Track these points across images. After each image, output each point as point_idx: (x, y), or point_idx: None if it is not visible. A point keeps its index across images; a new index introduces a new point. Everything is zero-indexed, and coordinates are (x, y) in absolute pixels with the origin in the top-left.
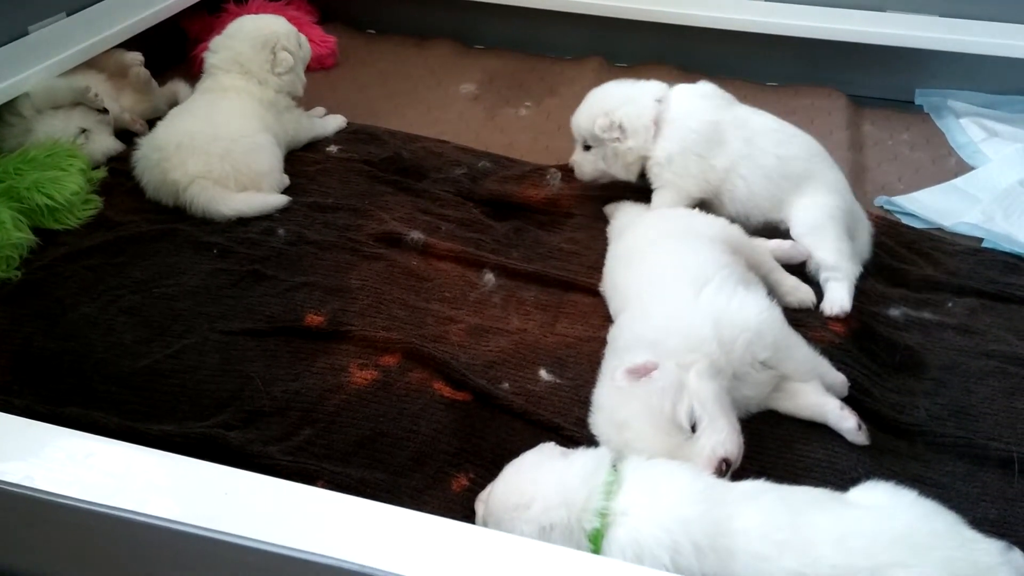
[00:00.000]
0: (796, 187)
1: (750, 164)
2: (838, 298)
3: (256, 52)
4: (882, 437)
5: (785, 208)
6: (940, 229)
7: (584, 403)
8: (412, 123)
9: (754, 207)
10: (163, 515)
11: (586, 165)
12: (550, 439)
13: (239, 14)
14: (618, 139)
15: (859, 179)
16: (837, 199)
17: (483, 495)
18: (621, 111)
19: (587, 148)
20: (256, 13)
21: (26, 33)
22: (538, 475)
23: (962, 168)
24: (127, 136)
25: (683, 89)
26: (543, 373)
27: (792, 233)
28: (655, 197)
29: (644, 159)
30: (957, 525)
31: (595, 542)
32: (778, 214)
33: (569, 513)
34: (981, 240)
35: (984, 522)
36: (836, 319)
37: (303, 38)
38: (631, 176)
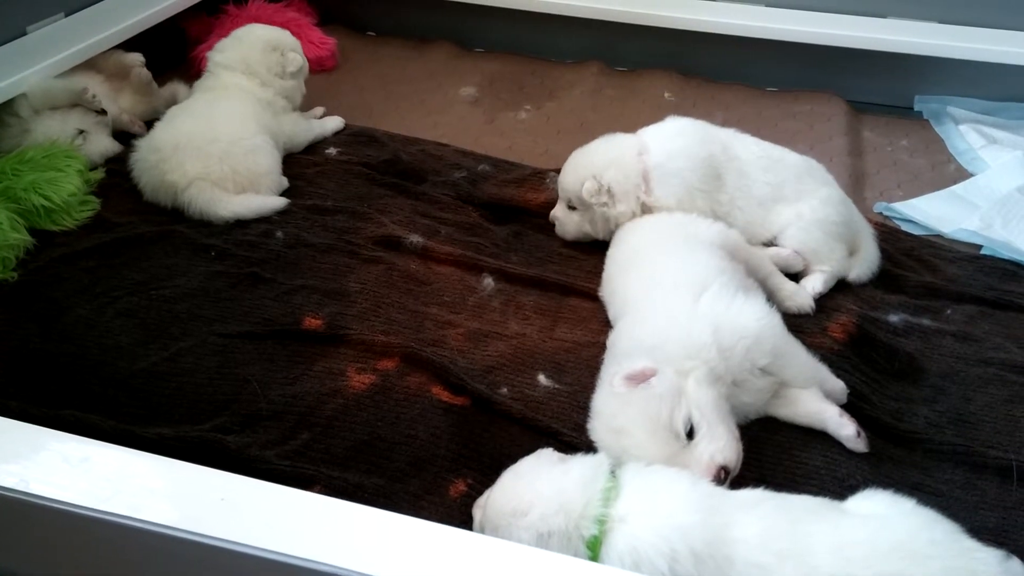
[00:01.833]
0: (788, 208)
1: (745, 194)
2: (810, 285)
3: (264, 55)
4: (881, 444)
5: (779, 228)
6: (939, 236)
7: (583, 408)
8: (411, 126)
9: (751, 235)
10: (158, 520)
11: (570, 225)
12: (548, 444)
13: (239, 15)
14: (606, 204)
15: (858, 185)
16: (831, 213)
17: (481, 501)
18: (608, 175)
19: (572, 208)
20: (256, 14)
21: (24, 33)
22: (536, 481)
23: (961, 175)
24: (125, 137)
25: (658, 132)
26: (542, 378)
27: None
28: None
29: (646, 210)
30: (956, 534)
31: (593, 549)
32: (771, 235)
33: (567, 520)
34: (980, 247)
35: (983, 530)
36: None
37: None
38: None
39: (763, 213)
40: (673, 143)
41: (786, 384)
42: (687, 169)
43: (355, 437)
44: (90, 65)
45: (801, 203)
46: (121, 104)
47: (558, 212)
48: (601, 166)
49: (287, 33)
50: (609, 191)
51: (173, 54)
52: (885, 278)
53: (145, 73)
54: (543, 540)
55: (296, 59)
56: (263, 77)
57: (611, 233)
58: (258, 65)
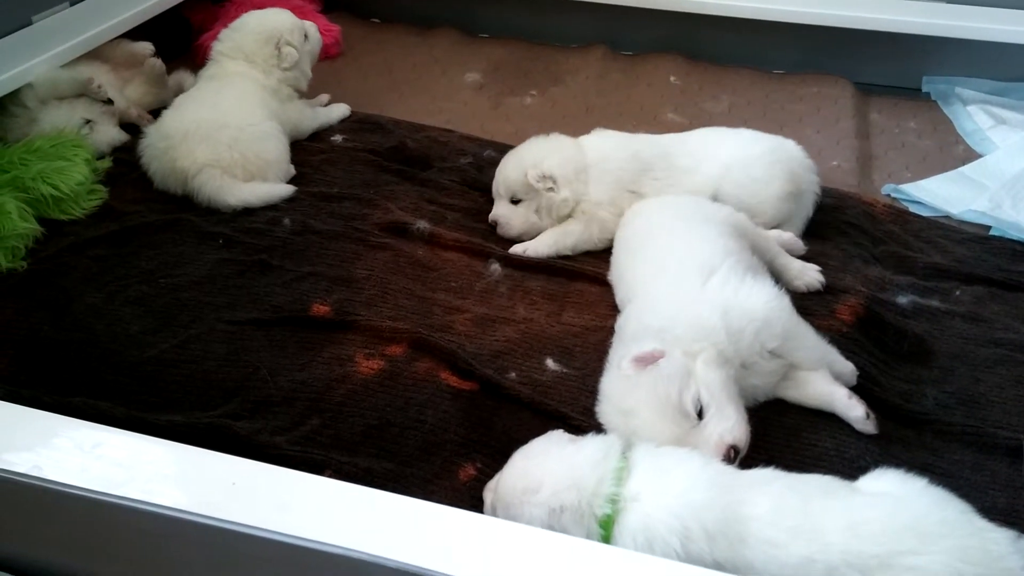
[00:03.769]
0: (713, 162)
1: (675, 164)
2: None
3: (260, 46)
4: (890, 426)
5: (714, 182)
6: (948, 217)
7: (591, 392)
8: (417, 112)
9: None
10: (170, 505)
11: (515, 219)
12: (557, 428)
13: (242, 3)
14: (552, 189)
15: (866, 167)
16: (750, 149)
17: (491, 484)
18: (548, 162)
19: (515, 202)
20: (259, 2)
21: (30, 23)
22: (547, 460)
23: (970, 155)
24: (133, 127)
25: (592, 137)
26: (550, 362)
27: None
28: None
29: (576, 206)
30: (967, 514)
31: (606, 528)
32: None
33: (579, 496)
34: (989, 228)
35: (992, 511)
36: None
37: (312, 28)
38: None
39: (691, 176)
40: (608, 144)
41: (795, 366)
42: (621, 169)
43: (364, 422)
44: (96, 55)
45: (722, 151)
46: (130, 94)
47: (501, 210)
48: (541, 156)
49: (286, 19)
50: (552, 177)
51: (178, 43)
52: (893, 259)
53: (159, 64)
54: (555, 516)
55: (291, 54)
56: (263, 67)
57: (553, 222)
58: (255, 56)
